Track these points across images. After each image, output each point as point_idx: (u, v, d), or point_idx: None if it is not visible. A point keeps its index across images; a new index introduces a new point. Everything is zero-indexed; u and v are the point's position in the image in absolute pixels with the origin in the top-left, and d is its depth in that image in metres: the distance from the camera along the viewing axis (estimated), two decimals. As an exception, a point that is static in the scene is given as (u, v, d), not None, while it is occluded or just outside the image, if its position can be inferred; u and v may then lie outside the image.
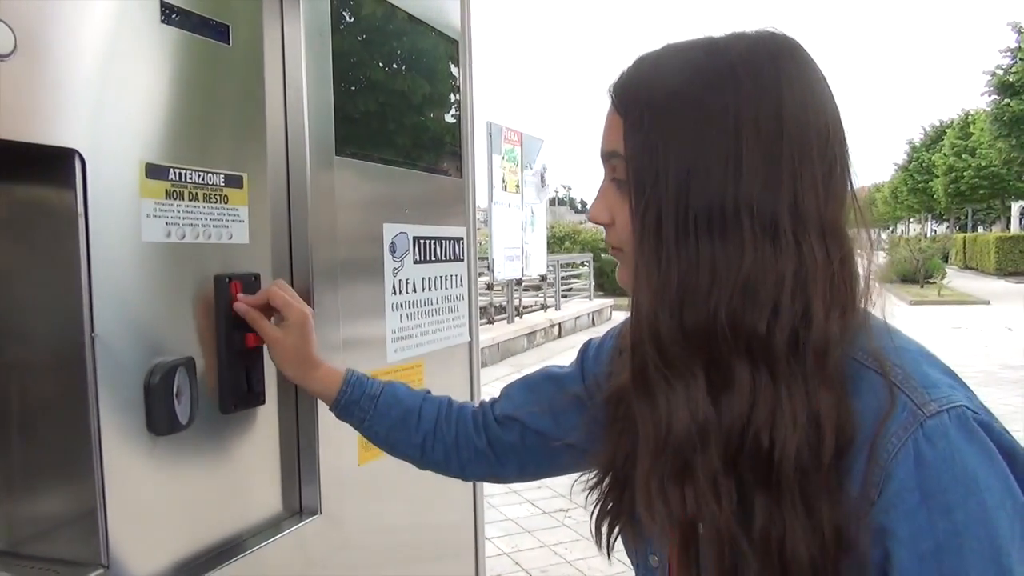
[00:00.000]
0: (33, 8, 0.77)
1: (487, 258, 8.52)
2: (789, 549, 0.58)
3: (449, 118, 1.61)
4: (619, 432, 0.75)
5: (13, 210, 0.87)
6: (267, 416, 1.08)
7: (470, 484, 1.65)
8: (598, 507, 0.78)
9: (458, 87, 1.62)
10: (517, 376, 1.00)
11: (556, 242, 16.01)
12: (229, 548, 1.01)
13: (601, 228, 0.74)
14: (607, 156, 0.69)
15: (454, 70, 1.61)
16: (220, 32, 1.00)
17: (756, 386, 0.60)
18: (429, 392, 1.00)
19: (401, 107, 1.44)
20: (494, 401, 0.97)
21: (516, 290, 10.54)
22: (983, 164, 31.34)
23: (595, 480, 0.79)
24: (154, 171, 0.90)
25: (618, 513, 0.75)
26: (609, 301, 13.40)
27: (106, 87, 0.85)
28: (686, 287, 0.61)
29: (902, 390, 0.60)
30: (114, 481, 0.84)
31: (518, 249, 9.30)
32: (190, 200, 0.95)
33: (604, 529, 0.77)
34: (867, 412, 0.60)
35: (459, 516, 1.64)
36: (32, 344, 0.87)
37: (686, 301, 0.62)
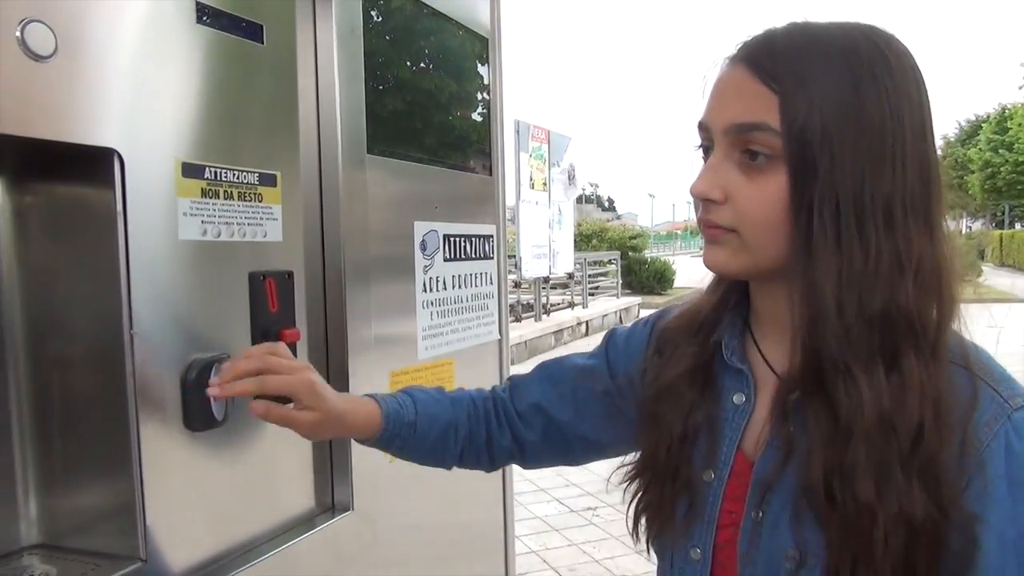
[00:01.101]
0: (73, 10, 0.79)
1: (515, 256, 8.52)
2: (913, 534, 0.60)
3: (478, 116, 1.61)
4: (661, 426, 0.75)
5: (54, 209, 0.89)
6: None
7: (500, 482, 1.65)
8: (637, 501, 0.78)
9: (487, 85, 1.62)
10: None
11: (583, 240, 15.95)
12: (263, 543, 1.02)
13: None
14: (742, 128, 0.64)
15: (483, 68, 1.61)
16: (254, 32, 1.01)
17: (919, 372, 0.62)
18: (443, 392, 0.94)
19: (431, 105, 1.44)
20: (509, 392, 0.93)
21: (543, 288, 10.53)
22: (1021, 159, 30.65)
23: (632, 473, 0.79)
24: (190, 170, 0.91)
25: (660, 506, 0.75)
26: (636, 299, 13.33)
27: (143, 87, 0.86)
28: (871, 274, 0.61)
29: (987, 384, 0.63)
30: (152, 476, 0.85)
31: (545, 247, 9.28)
32: (225, 199, 0.96)
33: (642, 523, 0.78)
34: (958, 403, 0.62)
35: (489, 514, 1.64)
36: (73, 340, 0.88)
37: (872, 288, 0.61)
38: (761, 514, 0.68)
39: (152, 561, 0.85)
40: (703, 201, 0.67)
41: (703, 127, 0.68)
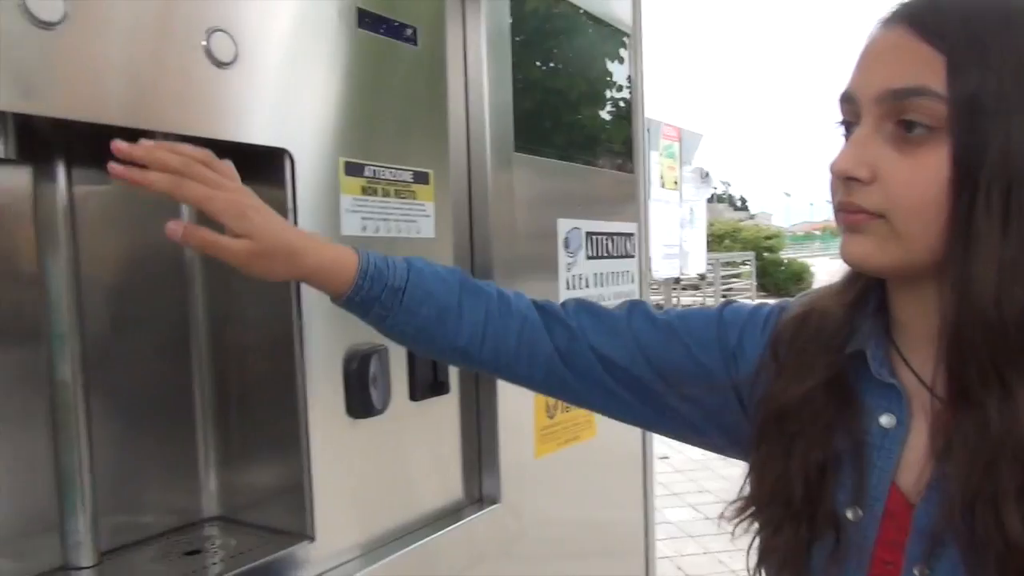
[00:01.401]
0: (252, 20, 0.84)
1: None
2: None
3: (620, 112, 1.60)
4: (791, 450, 0.63)
5: (232, 207, 0.95)
6: (450, 405, 1.12)
7: (640, 483, 1.63)
8: (760, 541, 0.66)
9: (627, 80, 1.61)
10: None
11: (715, 240, 15.53)
12: (415, 531, 1.05)
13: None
14: (899, 94, 0.55)
15: (623, 64, 1.60)
16: (408, 34, 1.05)
17: None
18: (465, 274, 0.80)
19: (573, 102, 1.44)
20: (581, 325, 0.77)
21: (674, 288, 10.33)
22: None
23: (753, 508, 0.67)
24: (352, 168, 0.96)
25: (794, 550, 0.63)
26: (772, 302, 12.84)
27: (310, 90, 0.91)
28: None
29: None
30: (319, 459, 0.90)
31: (676, 247, 9.10)
32: (383, 196, 1.00)
33: (767, 570, 0.66)
34: None
35: (628, 514, 1.62)
36: (249, 329, 0.94)
37: None
38: (929, 571, 0.57)
39: (320, 540, 0.90)
40: (845, 181, 0.58)
41: (847, 98, 0.59)
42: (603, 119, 1.55)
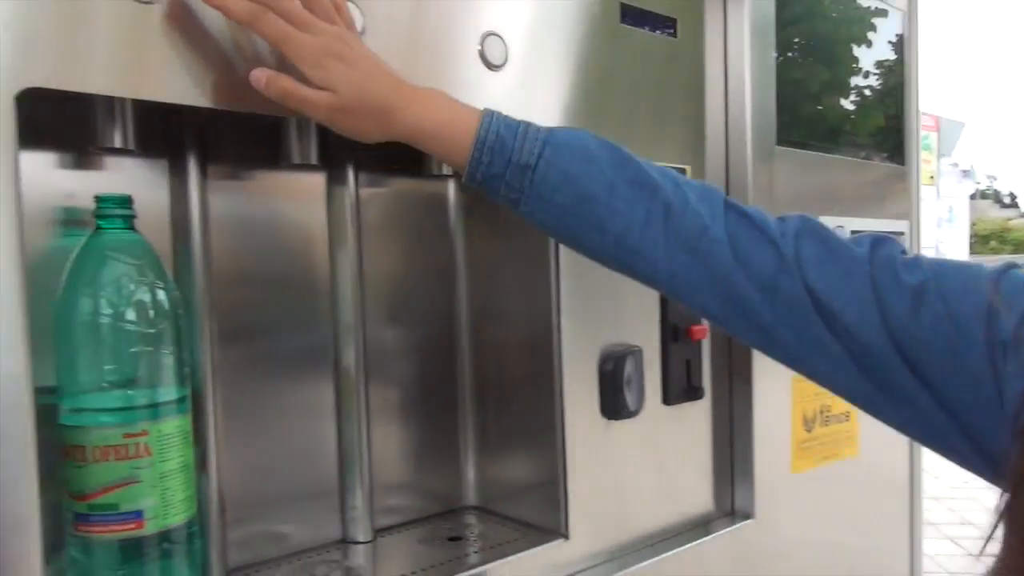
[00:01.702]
0: (522, 22, 0.85)
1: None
2: None
3: (889, 99, 1.45)
4: None
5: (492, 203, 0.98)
6: (703, 411, 1.07)
7: (906, 512, 1.46)
8: None
9: (896, 62, 1.45)
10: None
11: (980, 241, 13.81)
12: (665, 539, 1.02)
13: None
14: None
15: (896, 47, 1.44)
16: (669, 26, 1.01)
17: None
18: (631, 156, 0.64)
19: (841, 90, 1.32)
20: (800, 253, 0.59)
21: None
22: None
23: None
24: (612, 166, 0.94)
25: None
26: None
27: (575, 87, 0.91)
28: None
29: None
30: (574, 457, 0.90)
31: (933, 248, 8.22)
32: (641, 193, 0.98)
33: None
34: None
35: (891, 543, 1.47)
36: (508, 325, 0.96)
37: None
38: None
39: (573, 539, 0.90)
40: None
41: None
42: (871, 105, 1.41)
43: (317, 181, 0.88)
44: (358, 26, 0.70)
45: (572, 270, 0.90)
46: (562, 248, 0.89)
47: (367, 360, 0.89)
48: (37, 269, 0.57)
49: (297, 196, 0.88)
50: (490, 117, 0.62)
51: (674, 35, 1.02)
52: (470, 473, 1.01)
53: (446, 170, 0.90)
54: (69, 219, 0.70)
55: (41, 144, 0.69)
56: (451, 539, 0.91)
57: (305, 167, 0.81)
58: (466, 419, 1.01)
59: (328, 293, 0.89)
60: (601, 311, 0.95)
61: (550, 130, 0.63)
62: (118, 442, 0.64)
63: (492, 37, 0.83)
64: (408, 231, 0.99)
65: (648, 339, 0.99)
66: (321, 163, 0.82)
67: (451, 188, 1.02)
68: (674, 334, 0.99)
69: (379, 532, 0.91)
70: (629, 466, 0.98)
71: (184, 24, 0.61)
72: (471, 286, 1.00)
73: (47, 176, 0.70)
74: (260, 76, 0.61)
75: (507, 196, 0.63)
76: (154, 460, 0.65)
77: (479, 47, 0.81)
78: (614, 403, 0.93)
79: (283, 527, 0.87)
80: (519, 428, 0.96)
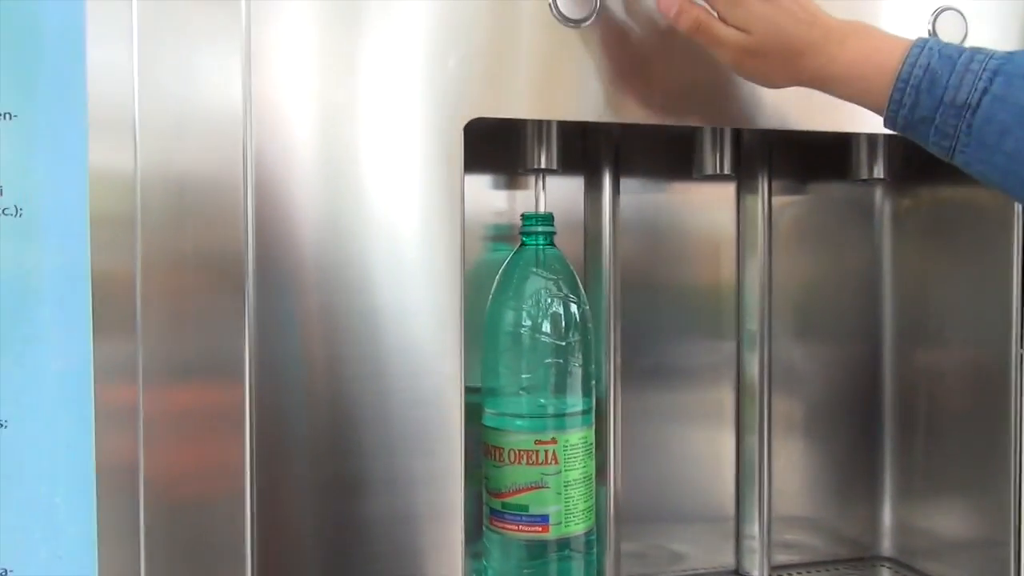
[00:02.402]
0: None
1: None
2: None
3: None
4: None
5: (933, 212, 0.85)
6: None
7: None
8: None
9: None
10: None
11: None
12: None
13: None
14: None
15: None
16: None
17: None
18: None
19: None
20: None
21: None
22: None
23: None
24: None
25: None
26: None
27: None
28: None
29: None
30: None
31: None
32: None
33: None
34: None
35: None
36: (949, 351, 0.82)
37: None
38: None
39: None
40: None
41: None
42: None
43: (727, 190, 0.84)
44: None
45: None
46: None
47: (772, 375, 0.82)
48: (470, 280, 0.62)
49: (706, 206, 0.85)
50: (920, 48, 0.52)
51: None
52: (886, 518, 0.88)
53: (876, 173, 0.79)
54: (497, 235, 0.76)
55: (474, 167, 0.75)
56: (860, 591, 0.80)
57: (717, 177, 0.77)
58: (886, 455, 0.88)
59: (734, 303, 0.84)
60: None
61: (1008, 55, 0.50)
62: (530, 447, 0.68)
63: (950, 12, 0.69)
64: (825, 241, 0.89)
65: None
66: (734, 172, 0.77)
67: (878, 193, 0.90)
68: None
69: (775, 569, 0.84)
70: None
71: (606, 41, 0.60)
72: (899, 303, 0.87)
73: (480, 195, 0.76)
74: (670, 4, 0.58)
75: (938, 144, 0.52)
76: (560, 468, 0.68)
77: (930, 26, 0.69)
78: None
79: (677, 545, 0.85)
80: (955, 472, 0.81)
